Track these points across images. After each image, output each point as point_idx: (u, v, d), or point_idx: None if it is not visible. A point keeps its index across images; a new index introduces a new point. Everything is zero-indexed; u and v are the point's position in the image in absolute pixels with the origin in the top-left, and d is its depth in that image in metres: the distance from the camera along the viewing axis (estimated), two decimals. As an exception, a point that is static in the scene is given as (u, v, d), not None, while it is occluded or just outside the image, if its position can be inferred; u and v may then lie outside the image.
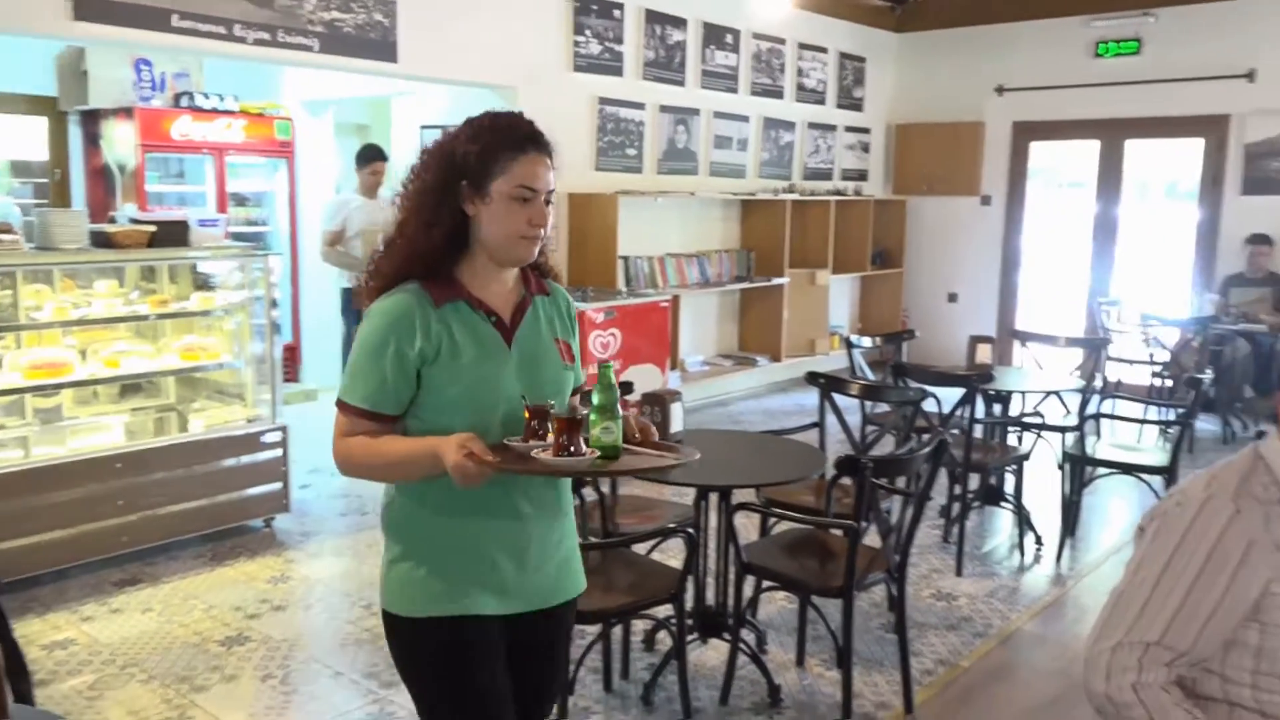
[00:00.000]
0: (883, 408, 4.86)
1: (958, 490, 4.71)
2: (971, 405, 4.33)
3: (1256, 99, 7.82)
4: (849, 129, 9.18)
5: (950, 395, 4.45)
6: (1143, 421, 6.14)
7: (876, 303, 9.58)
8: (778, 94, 8.38)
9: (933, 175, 9.34)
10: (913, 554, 4.63)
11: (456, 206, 1.79)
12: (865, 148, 9.42)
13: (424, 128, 7.17)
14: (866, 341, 5.68)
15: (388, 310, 1.80)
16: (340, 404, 1.83)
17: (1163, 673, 1.72)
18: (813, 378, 4.28)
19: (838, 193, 8.86)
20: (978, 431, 5.00)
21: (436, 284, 1.81)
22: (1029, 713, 3.33)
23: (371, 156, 6.26)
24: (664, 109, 7.40)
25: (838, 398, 4.21)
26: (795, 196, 8.23)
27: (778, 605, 4.01)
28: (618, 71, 7.01)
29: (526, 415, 1.81)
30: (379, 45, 5.70)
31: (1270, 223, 7.67)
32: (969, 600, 4.18)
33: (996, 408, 5.10)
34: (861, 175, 9.39)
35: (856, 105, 9.22)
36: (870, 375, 5.59)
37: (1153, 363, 7.32)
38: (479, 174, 1.78)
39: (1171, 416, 5.96)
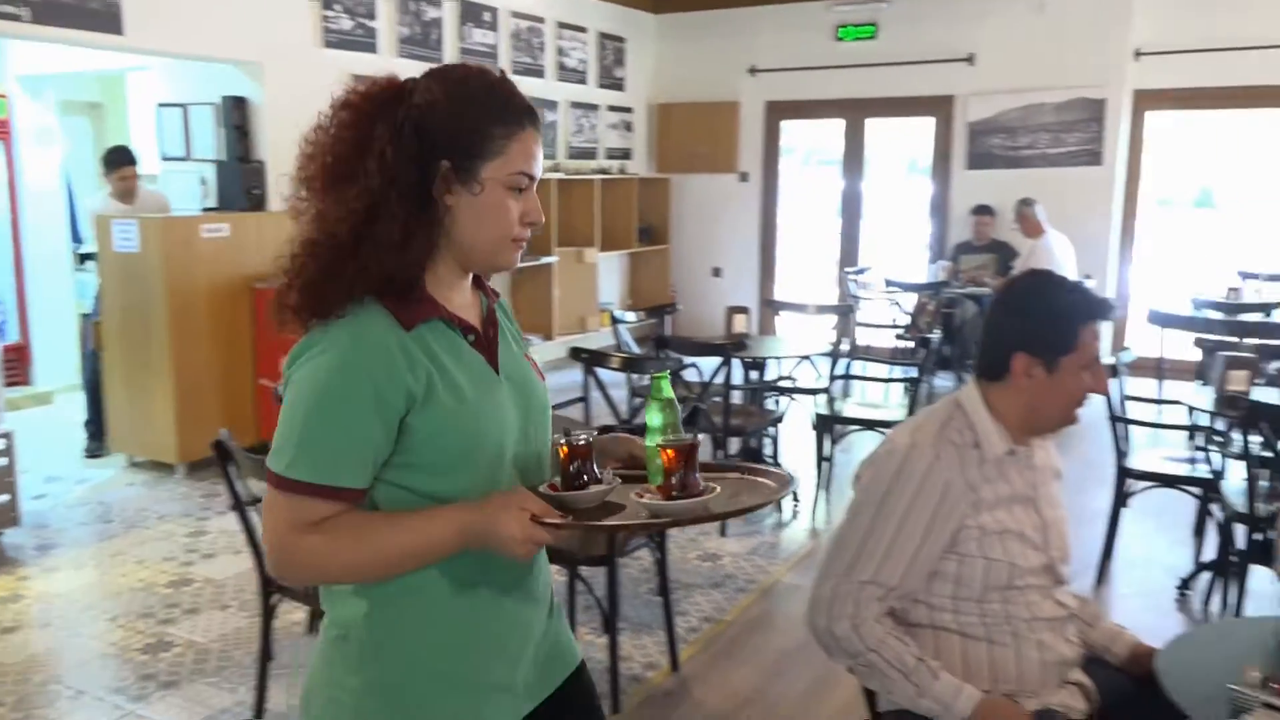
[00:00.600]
0: (649, 380, 5.00)
1: (720, 454, 4.92)
2: (728, 372, 4.52)
3: (977, 81, 8.53)
4: (612, 108, 9.32)
5: (711, 364, 4.63)
6: (887, 380, 6.60)
7: (645, 278, 9.80)
8: (539, 73, 8.38)
9: (694, 153, 9.63)
10: (681, 519, 4.89)
11: (427, 194, 1.33)
12: (629, 127, 9.59)
13: (161, 106, 6.70)
14: (632, 316, 5.82)
15: (355, 341, 1.29)
16: (280, 481, 1.29)
17: (876, 607, 1.87)
18: (576, 353, 4.34)
19: (603, 171, 8.99)
20: (736, 397, 5.23)
21: (399, 299, 1.33)
22: (783, 655, 3.53)
23: (118, 161, 5.70)
24: (422, 87, 7.24)
25: (603, 372, 4.30)
26: (561, 176, 8.28)
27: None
28: (371, 48, 6.80)
29: (564, 456, 1.40)
30: (101, 15, 5.26)
31: (992, 194, 8.39)
32: (733, 559, 4.38)
33: (754, 374, 5.36)
34: (626, 154, 9.56)
35: (618, 85, 9.36)
36: (635, 349, 5.73)
37: (895, 326, 7.88)
38: (468, 153, 1.33)
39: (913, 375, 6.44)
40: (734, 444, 5.08)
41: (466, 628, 1.39)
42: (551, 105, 8.54)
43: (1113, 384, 4.13)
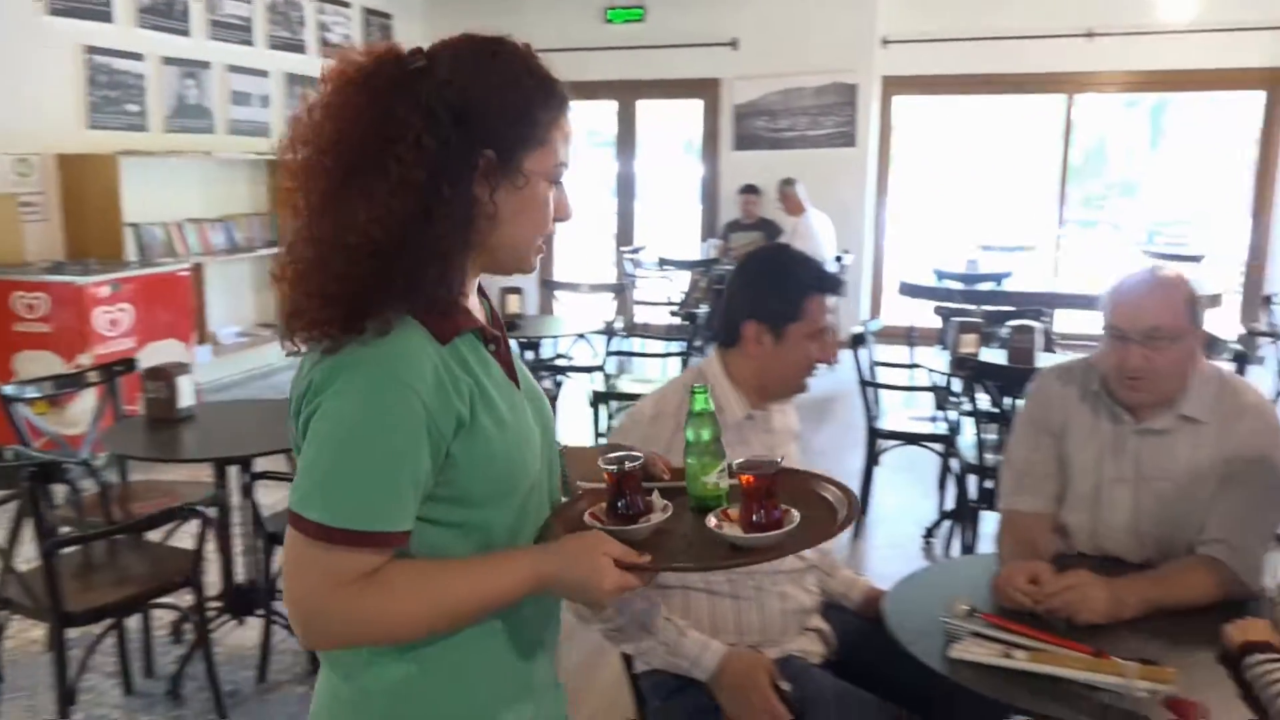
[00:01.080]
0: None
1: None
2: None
3: (740, 65, 8.84)
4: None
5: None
6: (662, 355, 6.76)
7: (422, 262, 9.59)
8: (299, 48, 8.01)
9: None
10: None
11: (470, 190, 1.16)
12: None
13: None
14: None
15: (401, 361, 1.12)
16: (318, 532, 1.09)
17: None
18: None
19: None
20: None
21: (432, 310, 1.16)
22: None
23: None
24: (168, 61, 6.77)
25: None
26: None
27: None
28: (106, 17, 6.28)
29: (609, 482, 1.27)
30: None
31: (758, 174, 8.72)
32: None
33: (530, 354, 5.36)
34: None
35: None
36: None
37: (670, 303, 8.09)
38: (511, 143, 1.18)
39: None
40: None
41: (509, 678, 1.27)
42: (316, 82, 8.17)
43: (863, 352, 4.40)
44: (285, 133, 1.18)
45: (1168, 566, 1.95)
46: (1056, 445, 2.11)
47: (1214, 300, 6.61)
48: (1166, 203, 12.53)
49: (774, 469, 1.28)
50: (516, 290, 5.30)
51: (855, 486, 4.47)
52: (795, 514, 1.30)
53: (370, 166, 1.12)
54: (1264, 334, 6.25)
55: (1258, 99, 8.18)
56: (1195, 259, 7.97)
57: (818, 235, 7.53)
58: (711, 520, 1.31)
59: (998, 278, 6.53)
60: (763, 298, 1.99)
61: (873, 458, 4.46)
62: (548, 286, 6.47)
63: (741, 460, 1.32)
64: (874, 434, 4.40)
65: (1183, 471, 2.00)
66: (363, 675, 1.21)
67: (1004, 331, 4.36)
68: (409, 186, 1.12)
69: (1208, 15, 7.80)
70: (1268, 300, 6.03)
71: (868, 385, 4.38)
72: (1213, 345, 3.77)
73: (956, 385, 4.39)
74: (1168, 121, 12.40)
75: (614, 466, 1.27)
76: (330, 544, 1.09)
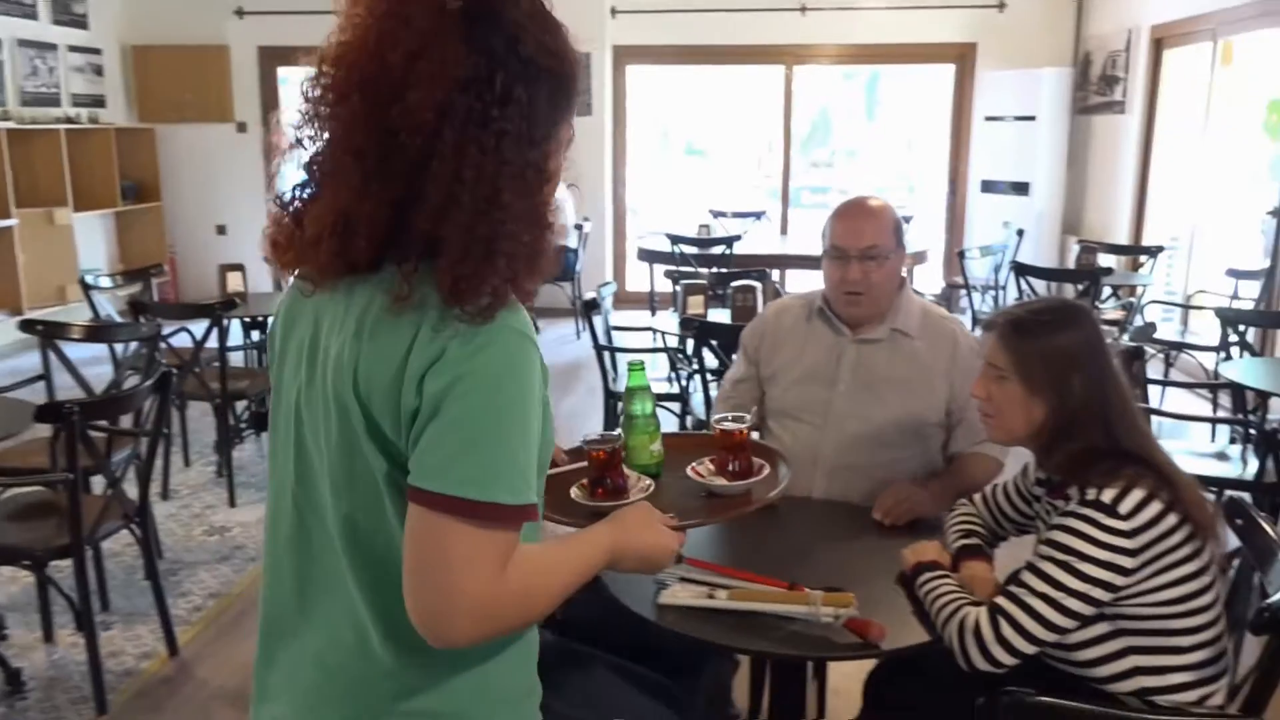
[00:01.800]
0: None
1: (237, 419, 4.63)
2: (221, 334, 4.23)
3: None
4: (74, 49, 8.21)
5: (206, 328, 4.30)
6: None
7: (137, 240, 8.86)
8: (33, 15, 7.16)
9: (182, 101, 8.83)
10: (185, 493, 4.55)
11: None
12: (98, 70, 8.53)
13: None
14: (107, 282, 5.22)
15: (530, 337, 1.12)
16: (496, 512, 1.06)
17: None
18: (28, 326, 3.80)
19: (69, 120, 7.92)
20: (239, 359, 4.95)
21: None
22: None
23: None
24: None
25: (82, 346, 3.82)
26: (12, 125, 7.18)
27: (21, 583, 3.58)
28: None
29: (601, 460, 1.51)
30: None
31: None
32: (243, 529, 4.16)
33: (257, 334, 5.08)
34: (98, 101, 8.50)
35: (79, 22, 8.26)
36: (118, 319, 5.17)
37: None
38: (567, 122, 1.20)
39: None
40: (239, 405, 4.81)
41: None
42: (-6, 43, 7.34)
43: (597, 318, 4.48)
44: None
45: (959, 462, 2.33)
46: (765, 368, 2.43)
47: (920, 257, 7.23)
48: (884, 168, 13.52)
49: (744, 424, 1.57)
50: (238, 267, 5.00)
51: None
52: (764, 464, 1.63)
53: (483, 122, 1.11)
54: (960, 286, 6.88)
55: (950, 72, 8.96)
56: (906, 220, 8.63)
57: (564, 204, 7.56)
58: (690, 471, 1.63)
59: (729, 241, 6.81)
60: None
61: (614, 421, 4.56)
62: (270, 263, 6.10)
63: (718, 416, 1.60)
64: (610, 397, 4.50)
65: (898, 378, 2.31)
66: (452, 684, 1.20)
67: (729, 292, 4.56)
68: (532, 146, 1.13)
69: (906, -7, 8.46)
70: (961, 255, 6.64)
71: (603, 350, 4.47)
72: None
73: (689, 345, 4.55)
74: (882, 92, 13.36)
75: (607, 445, 1.46)
76: (502, 524, 1.07)
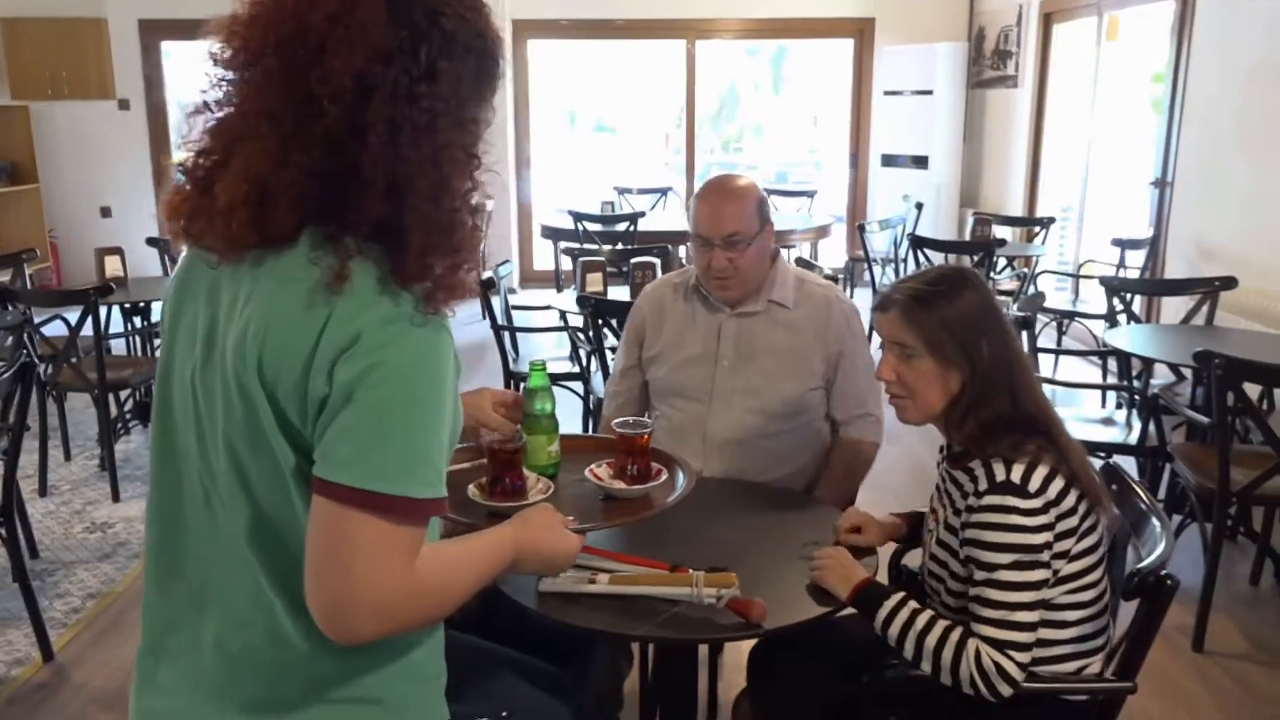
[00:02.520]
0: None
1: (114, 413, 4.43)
2: (96, 321, 4.03)
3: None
4: (-62, 21, 7.75)
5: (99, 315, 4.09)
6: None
7: (13, 224, 8.40)
8: None
9: (58, 77, 8.40)
10: (65, 489, 4.34)
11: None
12: (-35, 45, 8.06)
13: None
14: (-24, 268, 4.95)
15: (446, 328, 1.10)
16: (409, 505, 1.03)
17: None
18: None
19: (-66, 98, 7.48)
20: (120, 347, 4.73)
21: None
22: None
23: None
24: None
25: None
26: None
27: (-120, 592, 3.38)
28: None
29: (501, 459, 1.56)
30: None
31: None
32: (127, 524, 3.99)
33: (139, 320, 4.87)
34: (-34, 77, 8.05)
35: (-57, -7, 7.80)
36: None
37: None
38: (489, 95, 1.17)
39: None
40: (123, 395, 4.62)
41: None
42: None
43: (496, 298, 4.39)
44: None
45: (838, 457, 2.34)
46: (648, 349, 2.41)
47: (824, 231, 7.29)
48: (790, 143, 13.61)
49: (646, 430, 1.58)
50: (116, 251, 4.77)
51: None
52: (662, 469, 1.64)
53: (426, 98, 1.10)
54: (862, 259, 6.96)
55: (850, 47, 9.02)
56: (811, 194, 8.70)
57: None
58: (589, 474, 1.64)
59: (633, 218, 6.76)
60: None
61: (513, 400, 4.48)
62: (159, 245, 5.84)
63: (619, 420, 1.62)
64: (510, 377, 4.42)
65: (778, 348, 2.31)
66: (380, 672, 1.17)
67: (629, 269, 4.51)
68: (461, 128, 1.13)
69: (805, -32, 8.47)
70: (861, 229, 6.70)
71: (502, 330, 4.39)
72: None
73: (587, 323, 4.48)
74: (787, 68, 13.43)
75: (511, 445, 1.46)
76: (412, 518, 1.04)
